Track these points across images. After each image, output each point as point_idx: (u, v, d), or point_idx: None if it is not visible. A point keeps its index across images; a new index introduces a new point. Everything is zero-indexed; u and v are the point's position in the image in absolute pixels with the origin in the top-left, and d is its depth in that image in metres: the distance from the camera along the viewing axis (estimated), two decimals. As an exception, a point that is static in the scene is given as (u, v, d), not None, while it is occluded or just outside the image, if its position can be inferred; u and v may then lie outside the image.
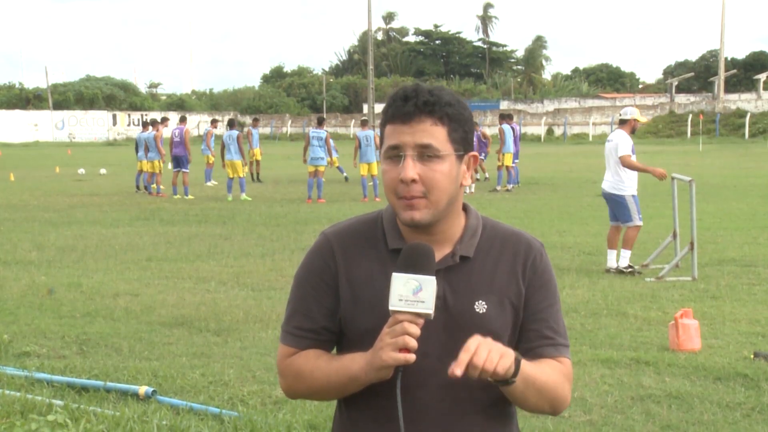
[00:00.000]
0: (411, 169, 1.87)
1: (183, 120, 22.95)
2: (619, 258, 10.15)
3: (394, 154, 1.90)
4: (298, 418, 5.08)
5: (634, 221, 10.15)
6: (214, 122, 26.20)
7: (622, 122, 10.49)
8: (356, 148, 20.09)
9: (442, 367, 1.89)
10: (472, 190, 20.84)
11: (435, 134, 1.89)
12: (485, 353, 1.75)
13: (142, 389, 5.52)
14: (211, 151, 24.43)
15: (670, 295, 8.82)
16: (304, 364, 2.00)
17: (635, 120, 10.40)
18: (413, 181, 1.87)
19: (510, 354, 1.79)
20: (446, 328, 1.92)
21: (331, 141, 20.61)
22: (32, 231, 14.18)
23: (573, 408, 5.38)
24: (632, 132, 10.39)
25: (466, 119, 1.95)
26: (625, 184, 10.20)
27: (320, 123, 20.77)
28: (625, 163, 10.08)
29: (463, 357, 1.74)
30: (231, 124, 21.89)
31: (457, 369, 1.74)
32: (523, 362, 1.84)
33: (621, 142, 10.16)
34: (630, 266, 10.10)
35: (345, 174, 25.08)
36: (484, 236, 2.01)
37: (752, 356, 6.44)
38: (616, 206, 10.28)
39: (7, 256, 11.56)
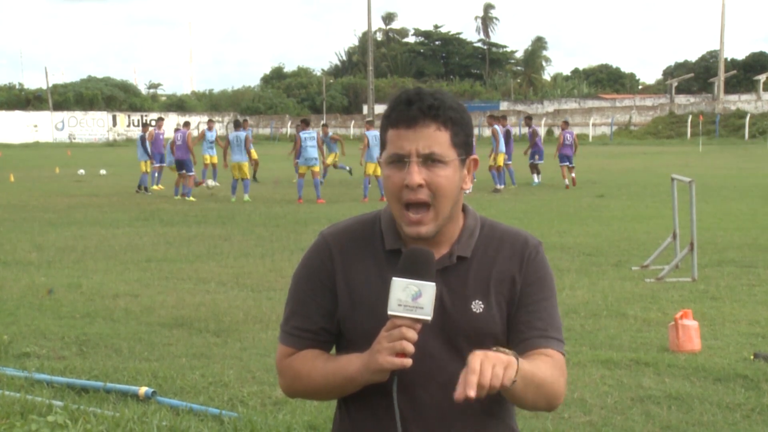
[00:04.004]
0: (417, 174, 1.88)
1: (186, 125, 22.94)
2: None
3: (398, 159, 1.91)
4: (298, 419, 5.08)
5: None
6: (210, 123, 25.88)
7: None
8: (366, 146, 20.03)
9: (439, 367, 1.90)
10: (470, 190, 20.80)
11: (439, 140, 1.90)
12: (490, 370, 1.72)
13: (142, 390, 5.52)
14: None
15: (669, 296, 8.82)
16: (302, 364, 2.01)
17: None
18: (419, 186, 1.88)
19: (512, 363, 1.77)
20: (443, 329, 1.92)
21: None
22: (32, 231, 14.18)
23: (573, 409, 5.38)
24: None
25: (467, 123, 1.97)
26: None
27: (307, 124, 20.80)
28: None
29: (472, 379, 1.70)
30: (237, 125, 21.82)
31: (471, 391, 1.69)
32: (521, 360, 1.82)
33: None
34: None
35: (348, 168, 25.10)
36: (482, 236, 2.01)
37: (752, 357, 6.44)
38: None
39: (7, 256, 11.56)
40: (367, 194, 19.73)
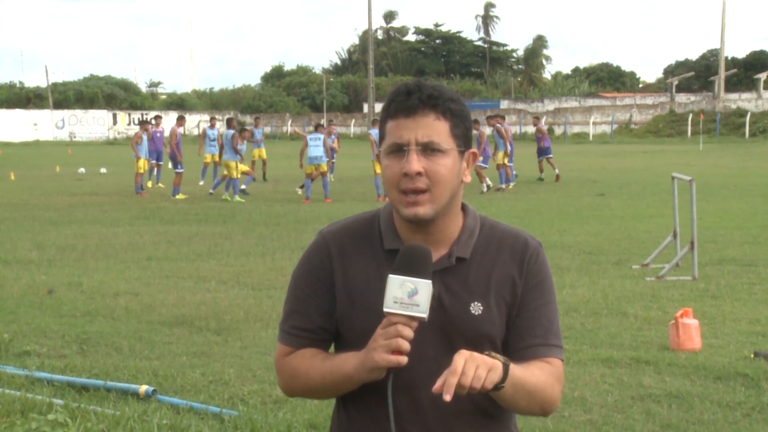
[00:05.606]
0: (416, 162, 1.87)
1: (180, 120, 22.96)
2: None
3: (397, 149, 1.90)
4: (298, 417, 5.09)
5: None
6: (212, 120, 25.52)
7: None
8: (373, 144, 20.04)
9: (438, 367, 1.89)
10: (485, 190, 20.91)
11: (438, 129, 1.89)
12: (472, 371, 1.73)
13: (143, 388, 5.53)
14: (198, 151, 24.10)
15: (670, 294, 8.82)
16: (300, 363, 2.01)
17: None
18: (418, 174, 1.87)
19: (497, 367, 1.77)
20: (442, 330, 1.92)
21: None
22: (32, 230, 14.18)
23: (573, 407, 5.38)
24: None
25: (466, 116, 1.96)
26: None
27: (316, 128, 20.88)
28: None
29: (451, 380, 1.71)
30: (229, 124, 21.85)
31: (447, 395, 1.71)
32: (512, 366, 1.82)
33: None
34: None
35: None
36: (482, 237, 2.01)
37: (752, 356, 6.44)
38: None
39: (8, 255, 11.56)
40: (380, 193, 19.48)
